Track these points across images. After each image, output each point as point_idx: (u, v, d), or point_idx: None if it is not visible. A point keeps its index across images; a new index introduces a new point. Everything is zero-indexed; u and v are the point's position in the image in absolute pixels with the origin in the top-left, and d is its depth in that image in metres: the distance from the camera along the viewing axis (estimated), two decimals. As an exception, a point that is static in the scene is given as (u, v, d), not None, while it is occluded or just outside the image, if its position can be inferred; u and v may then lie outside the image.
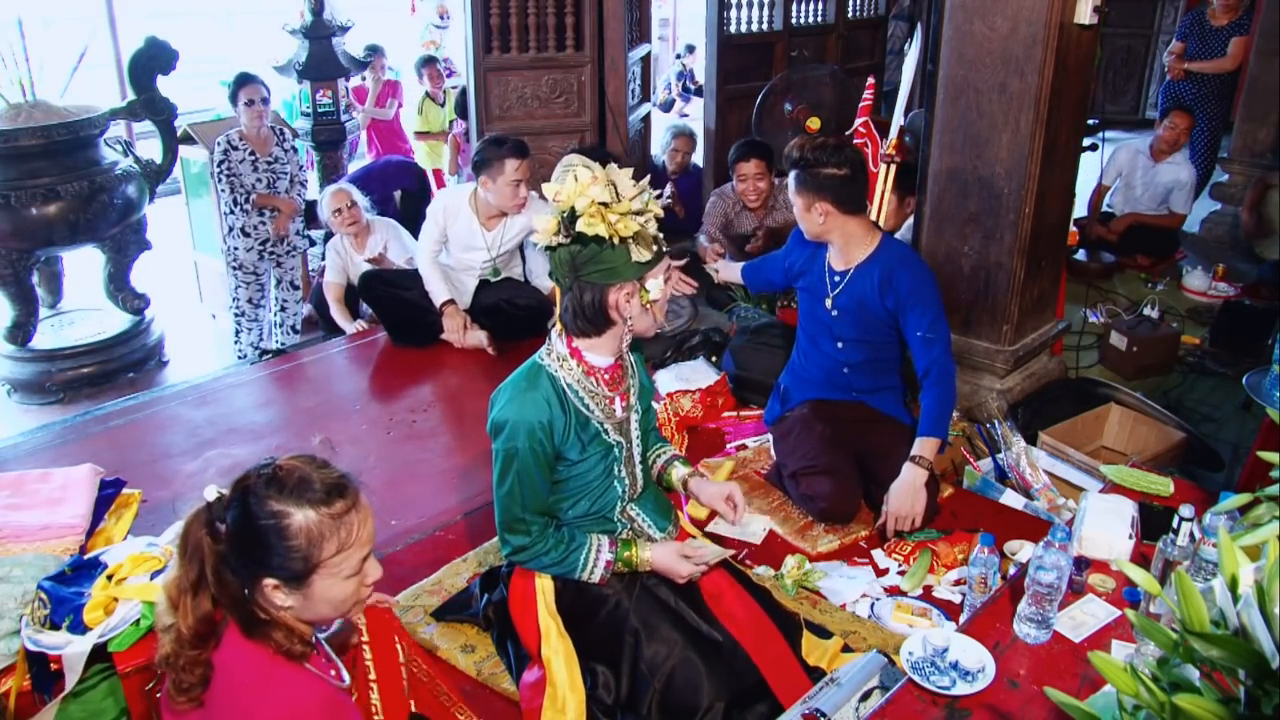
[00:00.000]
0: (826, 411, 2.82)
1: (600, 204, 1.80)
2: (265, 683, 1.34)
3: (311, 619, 1.43)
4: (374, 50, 6.75)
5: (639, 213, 1.84)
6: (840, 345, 2.78)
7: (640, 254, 1.86)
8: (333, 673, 1.47)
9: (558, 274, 1.90)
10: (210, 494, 1.39)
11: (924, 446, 2.56)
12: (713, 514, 2.64)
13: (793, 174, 2.62)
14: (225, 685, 1.35)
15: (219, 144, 4.51)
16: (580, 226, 1.81)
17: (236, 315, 4.78)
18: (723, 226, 4.29)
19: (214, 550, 1.35)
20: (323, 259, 4.77)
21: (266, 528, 1.33)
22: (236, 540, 1.35)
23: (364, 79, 6.75)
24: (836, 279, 2.71)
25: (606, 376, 1.99)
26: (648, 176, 1.92)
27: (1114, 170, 5.32)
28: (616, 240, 1.82)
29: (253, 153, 4.51)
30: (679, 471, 2.23)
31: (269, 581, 1.35)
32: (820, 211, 2.60)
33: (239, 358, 4.71)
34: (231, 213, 4.56)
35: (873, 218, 3.59)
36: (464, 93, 5.86)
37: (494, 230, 3.85)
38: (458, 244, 3.89)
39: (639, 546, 2.02)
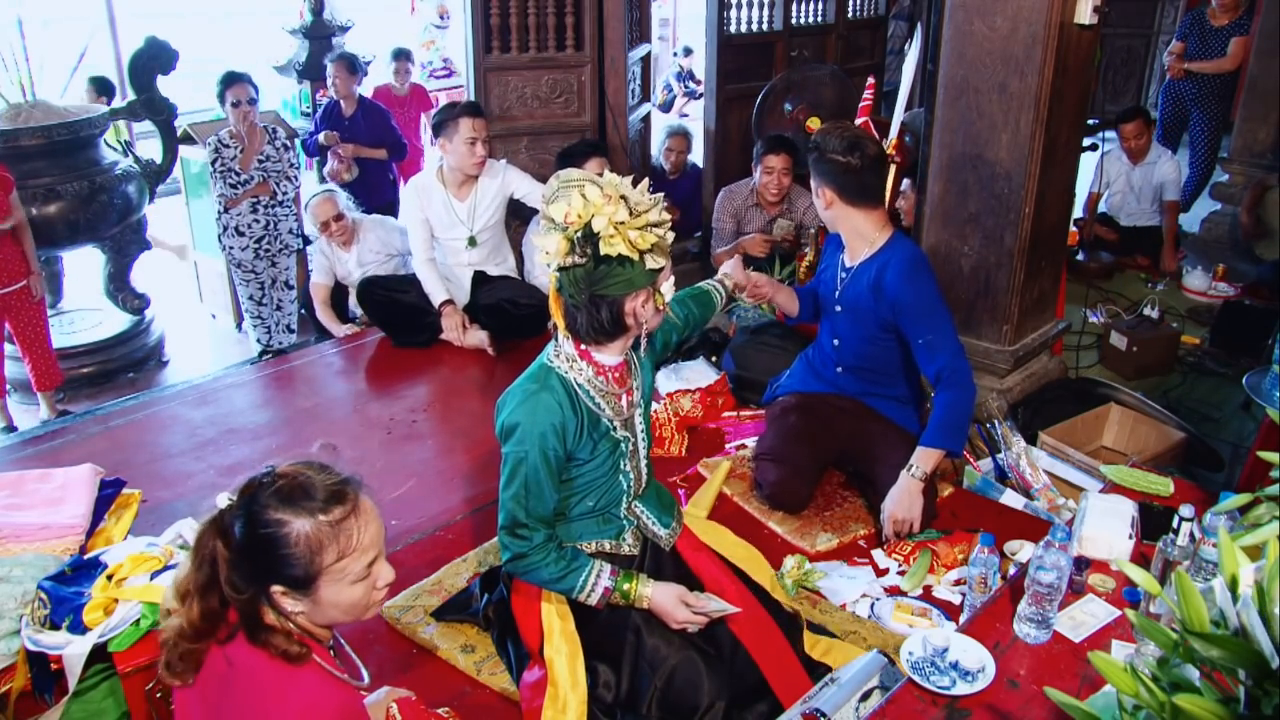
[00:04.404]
0: (818, 403, 2.82)
1: (618, 223, 1.78)
2: (285, 686, 1.35)
3: (324, 623, 1.42)
4: (400, 54, 6.32)
5: (655, 224, 1.83)
6: (836, 344, 2.78)
7: (656, 261, 1.86)
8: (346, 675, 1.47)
9: (569, 290, 1.88)
10: (222, 501, 1.39)
11: (921, 457, 2.49)
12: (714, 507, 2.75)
13: (809, 157, 2.61)
14: (246, 686, 1.35)
15: (209, 143, 4.52)
16: (603, 249, 1.80)
17: (247, 312, 4.85)
18: (733, 227, 4.29)
19: (226, 557, 1.36)
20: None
21: (267, 536, 1.33)
22: (243, 548, 1.35)
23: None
24: (843, 275, 2.69)
25: (615, 375, 1.99)
26: (646, 179, 1.91)
27: (1104, 178, 5.34)
28: (637, 256, 1.82)
29: (243, 151, 4.51)
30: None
31: (277, 588, 1.36)
32: (826, 199, 2.58)
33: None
34: (225, 212, 4.57)
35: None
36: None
37: (466, 200, 3.88)
38: (439, 224, 3.91)
39: (640, 581, 1.99)
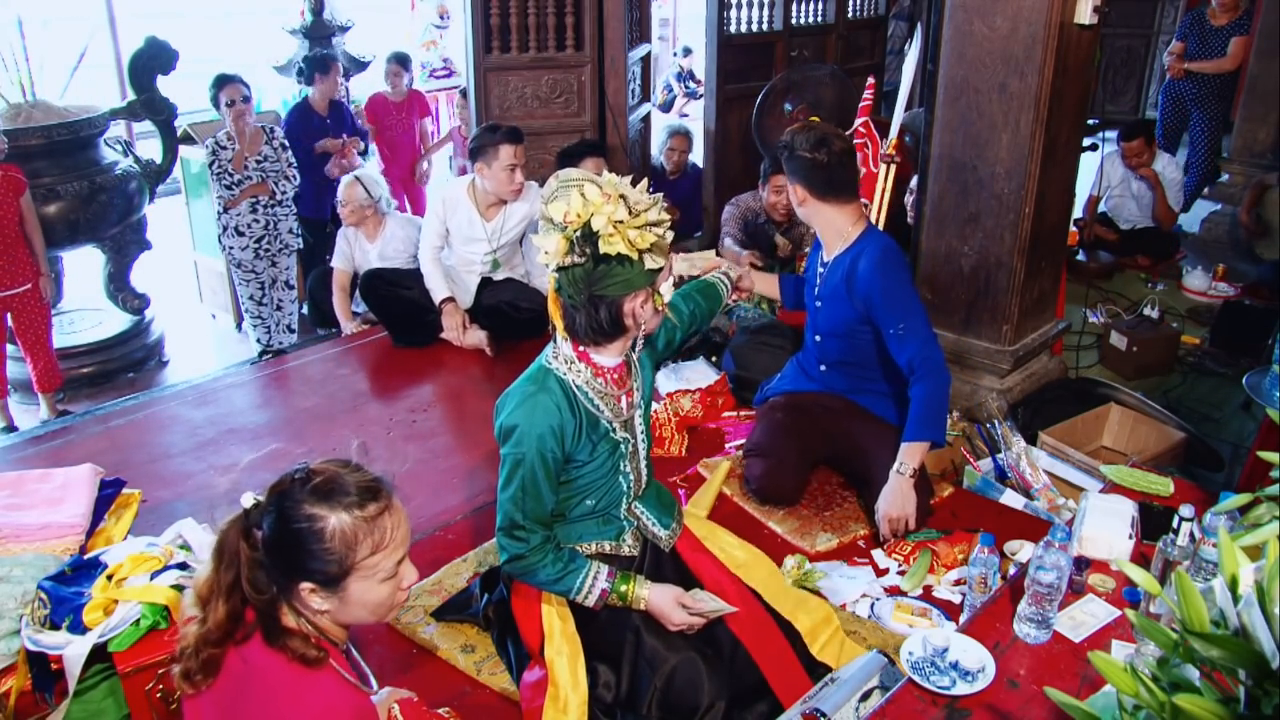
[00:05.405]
0: (808, 401, 2.82)
1: (617, 222, 1.78)
2: (301, 689, 1.35)
3: (348, 622, 1.44)
4: (394, 58, 6.06)
5: (655, 223, 1.83)
6: (818, 339, 2.79)
7: (655, 261, 1.86)
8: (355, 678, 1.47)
9: (568, 291, 1.88)
10: (247, 500, 1.40)
11: (908, 454, 2.50)
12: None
13: (780, 156, 2.65)
14: (261, 688, 1.36)
15: (208, 144, 4.53)
16: (602, 248, 1.80)
17: (247, 312, 4.85)
18: (743, 237, 4.28)
19: (250, 556, 1.36)
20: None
21: (301, 531, 1.34)
22: (273, 545, 1.36)
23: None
24: (821, 270, 2.72)
25: (614, 376, 1.99)
26: (645, 179, 1.91)
27: (1105, 182, 5.34)
28: (636, 255, 1.82)
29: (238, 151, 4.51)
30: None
31: (305, 585, 1.36)
32: (799, 196, 2.61)
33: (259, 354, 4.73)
34: (225, 212, 4.58)
35: (872, 216, 3.60)
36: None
37: (494, 220, 3.87)
38: (459, 236, 3.90)
39: (637, 583, 1.99)
